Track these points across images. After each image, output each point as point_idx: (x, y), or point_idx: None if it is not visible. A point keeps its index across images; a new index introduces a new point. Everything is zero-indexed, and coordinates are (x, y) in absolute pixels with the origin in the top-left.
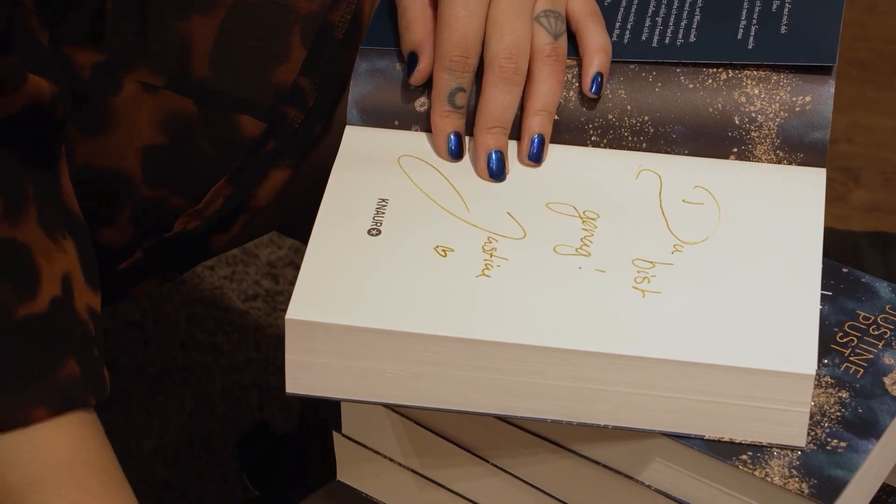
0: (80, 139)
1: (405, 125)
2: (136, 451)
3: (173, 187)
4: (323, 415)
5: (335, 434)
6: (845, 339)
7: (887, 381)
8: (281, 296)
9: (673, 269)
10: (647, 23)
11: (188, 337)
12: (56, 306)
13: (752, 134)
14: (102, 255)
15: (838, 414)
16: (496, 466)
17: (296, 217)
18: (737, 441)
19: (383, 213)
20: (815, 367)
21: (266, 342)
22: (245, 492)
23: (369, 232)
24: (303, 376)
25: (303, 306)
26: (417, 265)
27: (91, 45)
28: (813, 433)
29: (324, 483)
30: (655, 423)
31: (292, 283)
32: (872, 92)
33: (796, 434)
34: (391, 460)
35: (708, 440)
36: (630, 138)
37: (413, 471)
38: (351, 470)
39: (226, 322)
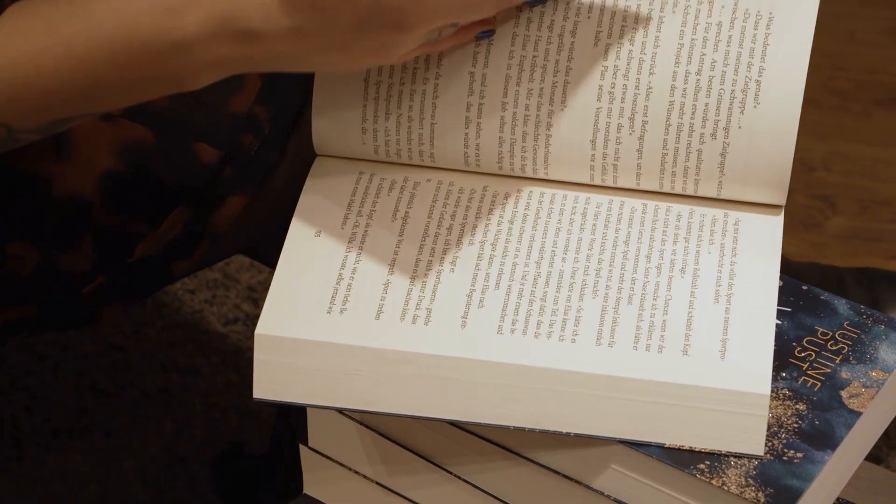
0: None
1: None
2: (116, 472)
3: (133, 214)
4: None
5: (301, 447)
6: (803, 354)
7: (844, 394)
8: None
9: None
10: None
11: (169, 360)
12: None
13: None
14: (66, 279)
15: (795, 426)
16: (460, 478)
17: (259, 241)
18: (696, 449)
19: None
20: (769, 387)
21: (246, 365)
22: None
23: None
24: (269, 384)
25: (272, 322)
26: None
27: None
28: (770, 444)
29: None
30: (617, 432)
31: None
32: (851, 121)
33: (754, 443)
34: (357, 472)
35: (666, 448)
36: None
37: (378, 483)
38: (318, 483)
39: (206, 345)
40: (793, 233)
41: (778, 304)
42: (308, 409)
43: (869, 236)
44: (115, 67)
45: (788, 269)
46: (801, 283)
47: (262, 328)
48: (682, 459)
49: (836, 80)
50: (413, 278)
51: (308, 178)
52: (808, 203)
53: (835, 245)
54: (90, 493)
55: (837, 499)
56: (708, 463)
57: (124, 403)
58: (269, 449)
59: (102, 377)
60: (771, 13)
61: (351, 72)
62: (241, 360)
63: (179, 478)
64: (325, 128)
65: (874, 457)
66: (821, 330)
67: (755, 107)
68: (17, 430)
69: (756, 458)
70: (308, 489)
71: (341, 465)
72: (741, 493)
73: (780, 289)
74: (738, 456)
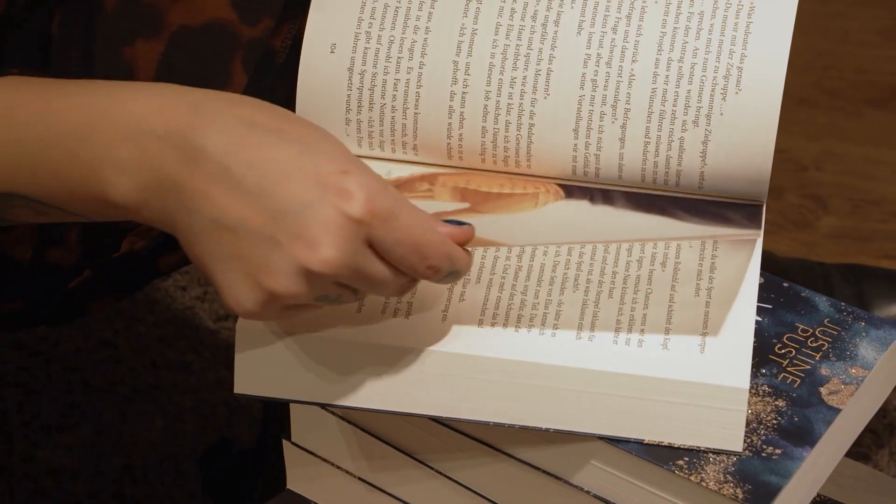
0: None
1: None
2: (106, 468)
3: None
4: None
5: (285, 442)
6: (783, 351)
7: (824, 391)
8: None
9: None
10: None
11: (159, 356)
12: None
13: None
14: (53, 274)
15: (774, 422)
16: (442, 474)
17: None
18: (675, 446)
19: None
20: (748, 382)
21: None
22: None
23: None
24: (251, 378)
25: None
26: None
27: (37, 69)
28: (749, 440)
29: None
30: (596, 428)
31: None
32: (843, 120)
33: (733, 439)
34: (340, 468)
35: (645, 445)
36: None
37: (361, 479)
38: (301, 479)
39: (197, 342)
40: (784, 232)
41: (759, 301)
42: (291, 404)
43: (860, 236)
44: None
45: (775, 264)
46: (782, 280)
47: (242, 322)
48: (662, 456)
49: (828, 79)
50: None
51: None
52: (799, 203)
53: (826, 244)
54: (80, 489)
55: (819, 496)
56: (687, 459)
57: (115, 399)
58: (257, 444)
59: (93, 373)
60: (752, 2)
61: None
62: (231, 356)
63: (169, 474)
64: (309, 117)
65: (862, 455)
66: (801, 327)
67: (737, 93)
68: (7, 425)
69: (735, 455)
70: (292, 485)
71: (324, 460)
72: (719, 489)
73: (761, 286)
74: (717, 452)
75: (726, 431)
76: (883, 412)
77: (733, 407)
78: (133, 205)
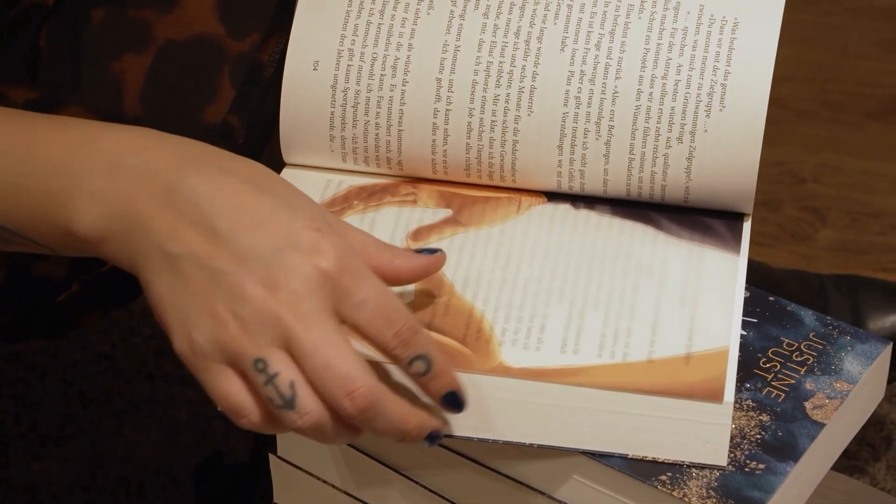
0: None
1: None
2: (102, 481)
3: None
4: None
5: (271, 456)
6: (768, 365)
7: (808, 405)
8: None
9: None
10: None
11: (156, 368)
12: None
13: None
14: (41, 287)
15: (758, 437)
16: (426, 488)
17: None
18: (659, 460)
19: None
20: (733, 395)
21: None
22: None
23: None
24: None
25: None
26: None
27: (25, 81)
28: (732, 455)
29: None
30: (580, 443)
31: None
32: (843, 133)
33: (717, 454)
34: (325, 482)
35: (629, 459)
36: None
37: (345, 492)
38: (287, 492)
39: None
40: (782, 245)
41: (744, 315)
42: None
43: (858, 249)
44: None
45: (770, 276)
46: (767, 294)
47: None
48: (644, 471)
49: (828, 92)
50: None
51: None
52: (798, 215)
53: (824, 257)
54: (75, 501)
55: None
56: (669, 475)
57: (111, 411)
58: (250, 458)
59: (90, 385)
60: (736, 18)
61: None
62: None
63: (165, 486)
64: (293, 136)
65: (859, 468)
66: (786, 341)
67: (721, 110)
68: (3, 437)
69: (719, 469)
70: (278, 498)
71: (310, 474)
72: None
73: (747, 299)
74: (702, 467)
75: (710, 446)
76: (880, 425)
77: (717, 421)
78: (95, 237)
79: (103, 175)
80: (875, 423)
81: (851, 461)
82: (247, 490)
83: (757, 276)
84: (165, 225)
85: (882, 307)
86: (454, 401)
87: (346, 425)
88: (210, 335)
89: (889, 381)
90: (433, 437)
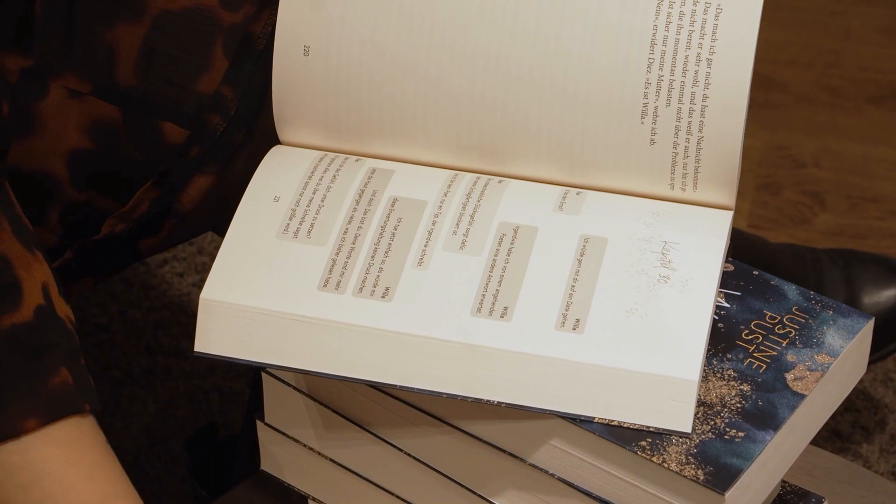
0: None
1: None
2: None
3: (100, 190)
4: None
5: (259, 423)
6: (750, 337)
7: (789, 376)
8: None
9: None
10: None
11: (154, 341)
12: (41, 315)
13: None
14: None
15: (738, 406)
16: (409, 454)
17: (226, 220)
18: (625, 425)
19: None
20: (699, 372)
21: None
22: (195, 492)
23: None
24: (211, 341)
25: (216, 288)
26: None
27: (19, 50)
28: (712, 423)
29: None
30: (549, 404)
31: None
32: (843, 118)
33: (682, 420)
34: (306, 447)
35: (606, 425)
36: None
37: (330, 459)
38: (273, 459)
39: (191, 327)
40: (781, 228)
41: (728, 289)
42: (264, 384)
43: (856, 233)
44: None
45: (765, 249)
46: (751, 267)
47: (206, 294)
48: (624, 436)
49: (829, 77)
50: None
51: (266, 157)
52: (797, 199)
53: (822, 241)
54: None
55: (792, 486)
56: (649, 440)
57: (109, 383)
58: (242, 428)
59: (88, 357)
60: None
61: None
62: None
63: (161, 458)
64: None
65: (852, 451)
66: (769, 314)
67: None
68: None
69: (684, 436)
70: (265, 465)
71: (294, 440)
72: (681, 470)
73: (731, 273)
74: (668, 433)
75: (676, 413)
76: (874, 408)
77: (682, 399)
78: None
79: None
80: (869, 406)
81: (845, 443)
82: (239, 461)
83: (753, 250)
84: None
85: (877, 281)
86: None
87: None
88: None
89: (882, 359)
90: None
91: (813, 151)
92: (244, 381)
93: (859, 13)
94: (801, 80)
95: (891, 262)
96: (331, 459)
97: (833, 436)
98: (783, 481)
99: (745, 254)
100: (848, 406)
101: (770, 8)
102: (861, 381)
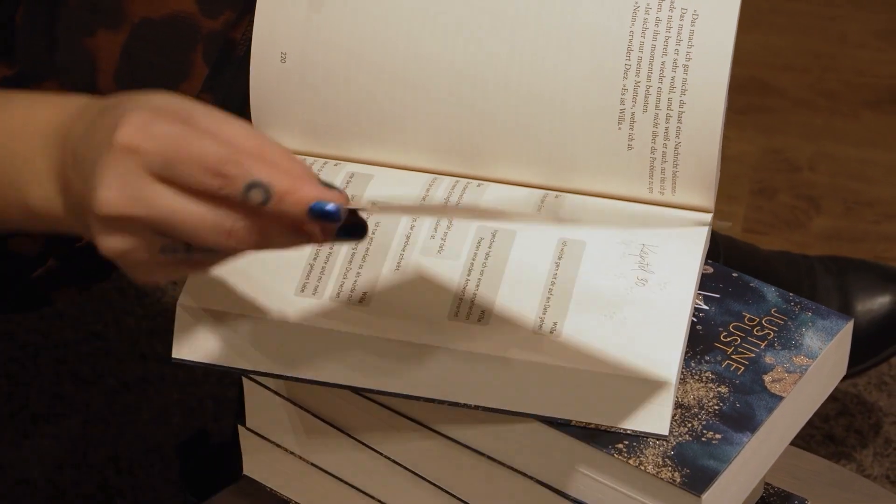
0: None
1: None
2: (92, 459)
3: None
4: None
5: (240, 428)
6: (729, 339)
7: (767, 378)
8: None
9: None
10: None
11: (148, 348)
12: None
13: None
14: (17, 262)
15: (716, 407)
16: (389, 458)
17: None
18: (602, 427)
19: None
20: (676, 374)
21: None
22: (185, 497)
23: None
24: (188, 347)
25: (193, 294)
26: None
27: (2, 58)
28: (690, 425)
29: None
30: (526, 407)
31: None
32: (839, 122)
33: (660, 423)
34: (290, 452)
35: (583, 428)
36: None
37: (311, 463)
38: (256, 464)
39: None
40: (776, 232)
41: (707, 291)
42: (246, 389)
43: (852, 237)
44: None
45: (758, 257)
46: (731, 270)
47: (182, 301)
48: (601, 439)
49: (825, 81)
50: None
51: None
52: (792, 203)
53: (817, 245)
54: (65, 479)
55: (776, 488)
56: (626, 443)
57: (102, 391)
58: (232, 435)
59: (82, 365)
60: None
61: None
62: None
63: (154, 465)
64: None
65: (846, 455)
66: (748, 316)
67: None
68: None
69: (661, 438)
70: (248, 470)
71: (275, 444)
72: (658, 472)
73: (710, 275)
74: (645, 436)
75: (653, 413)
76: (869, 412)
77: (659, 402)
78: (54, 213)
79: (42, 155)
80: (864, 411)
81: (839, 448)
82: (228, 468)
83: (745, 258)
84: (76, 186)
85: (870, 289)
86: (323, 211)
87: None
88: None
89: (876, 366)
90: (323, 213)
91: (809, 155)
92: (238, 388)
93: (856, 17)
94: (797, 85)
95: (884, 270)
96: (312, 464)
97: (827, 440)
98: (766, 483)
99: (737, 262)
100: (842, 410)
101: (766, 12)
102: (855, 386)
